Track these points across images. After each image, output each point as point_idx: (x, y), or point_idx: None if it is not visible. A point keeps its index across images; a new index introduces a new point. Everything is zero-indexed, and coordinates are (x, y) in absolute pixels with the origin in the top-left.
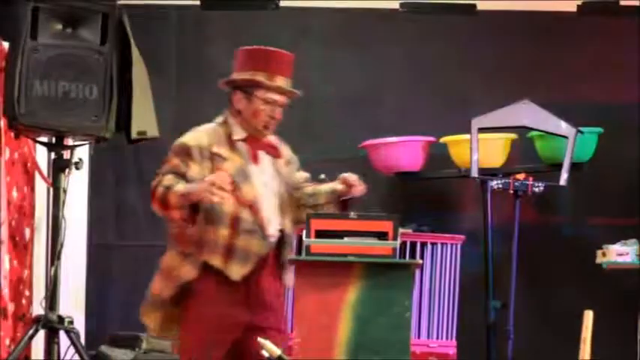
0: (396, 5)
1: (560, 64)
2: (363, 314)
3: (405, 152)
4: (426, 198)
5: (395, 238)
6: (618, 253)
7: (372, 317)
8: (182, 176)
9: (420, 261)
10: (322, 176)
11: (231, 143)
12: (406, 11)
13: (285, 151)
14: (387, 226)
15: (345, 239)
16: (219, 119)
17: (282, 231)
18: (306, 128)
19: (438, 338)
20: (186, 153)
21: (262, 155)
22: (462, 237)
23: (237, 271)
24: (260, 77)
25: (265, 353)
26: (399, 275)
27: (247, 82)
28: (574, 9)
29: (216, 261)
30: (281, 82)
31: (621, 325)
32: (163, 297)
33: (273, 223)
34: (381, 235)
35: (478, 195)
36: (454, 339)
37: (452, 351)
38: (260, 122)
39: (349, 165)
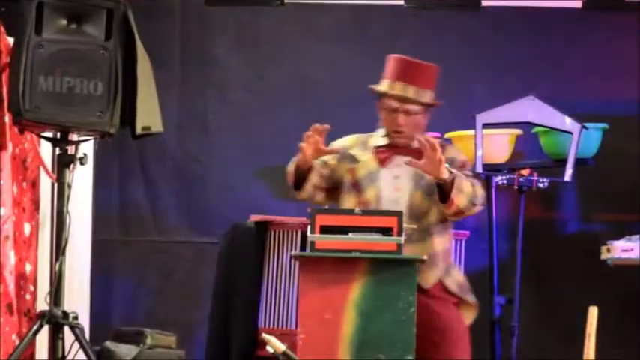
0: (400, 1)
1: (565, 60)
2: (368, 310)
3: None
4: None
5: (399, 234)
6: (623, 249)
7: (376, 313)
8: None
9: (425, 257)
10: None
11: (373, 150)
12: (411, 7)
13: (444, 153)
14: (391, 221)
15: (350, 235)
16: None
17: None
18: (310, 124)
19: None
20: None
21: (401, 160)
22: (467, 233)
23: None
24: (381, 86)
25: (270, 349)
26: (403, 271)
27: (373, 92)
28: (579, 5)
29: None
30: (399, 89)
31: (626, 321)
32: None
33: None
34: (386, 231)
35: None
36: None
37: None
38: (388, 129)
39: None
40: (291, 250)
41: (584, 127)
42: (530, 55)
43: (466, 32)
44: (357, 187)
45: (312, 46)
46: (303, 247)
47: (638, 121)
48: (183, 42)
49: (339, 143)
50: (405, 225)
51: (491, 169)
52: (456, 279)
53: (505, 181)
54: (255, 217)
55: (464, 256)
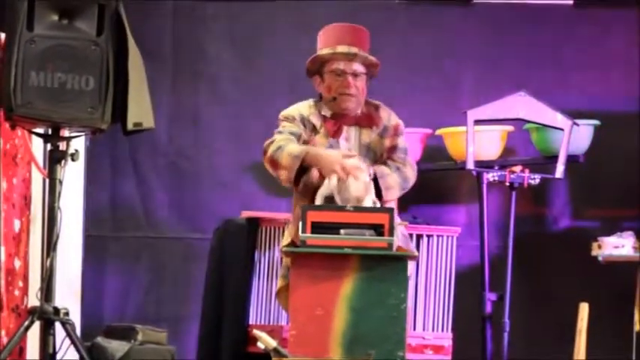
0: None
1: (557, 56)
2: (359, 306)
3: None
4: (421, 190)
5: (391, 231)
6: (614, 246)
7: (367, 309)
8: (297, 136)
9: (416, 253)
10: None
11: (322, 119)
12: (402, 2)
13: (380, 117)
14: (383, 218)
15: (342, 232)
16: (314, 99)
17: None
18: None
19: (433, 330)
20: (292, 119)
21: (349, 131)
22: (458, 229)
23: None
24: (321, 51)
25: (261, 345)
26: (394, 267)
27: (314, 64)
28: (570, 1)
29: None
30: (342, 49)
31: (616, 317)
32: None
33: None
34: (377, 228)
35: (474, 187)
36: (450, 331)
37: (447, 343)
38: (332, 95)
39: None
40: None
41: (575, 123)
42: (522, 51)
43: (457, 28)
44: None
45: (303, 40)
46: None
47: (630, 117)
48: (174, 37)
49: (296, 110)
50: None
51: (483, 166)
52: (402, 232)
53: (496, 178)
54: (246, 213)
55: (455, 253)
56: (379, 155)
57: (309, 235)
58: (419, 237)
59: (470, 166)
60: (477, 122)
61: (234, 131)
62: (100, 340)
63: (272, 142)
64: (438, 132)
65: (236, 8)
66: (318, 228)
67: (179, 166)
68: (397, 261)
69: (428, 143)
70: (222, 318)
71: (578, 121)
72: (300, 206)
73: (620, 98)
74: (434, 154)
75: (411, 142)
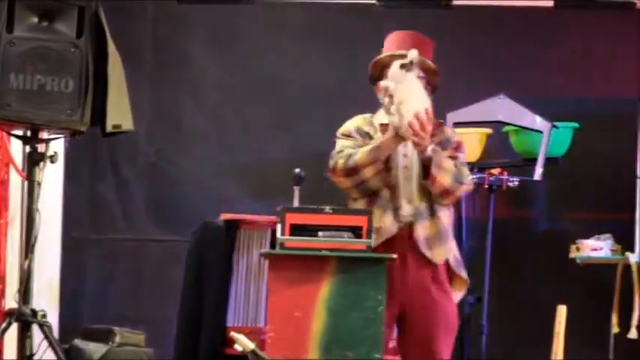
0: (372, 0)
1: (536, 58)
2: (337, 308)
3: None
4: None
5: (369, 233)
6: (592, 248)
7: (345, 311)
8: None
9: (394, 255)
10: (297, 170)
11: (379, 128)
12: (383, 6)
13: (442, 132)
14: (361, 220)
15: (320, 234)
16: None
17: (415, 211)
18: (281, 124)
19: None
20: (348, 136)
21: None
22: None
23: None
24: (380, 56)
25: (239, 347)
26: (372, 270)
27: (375, 68)
28: (551, 3)
29: None
30: (400, 52)
31: (594, 319)
32: None
33: (411, 203)
34: (356, 230)
35: None
36: None
37: None
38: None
39: (324, 159)
40: (260, 248)
41: (554, 126)
42: (502, 53)
43: (437, 31)
44: None
45: (283, 44)
46: (273, 246)
47: (610, 120)
48: (155, 40)
49: (351, 124)
50: (410, 207)
51: None
52: (455, 254)
53: (475, 180)
54: (225, 216)
55: None
56: None
57: (287, 237)
58: None
59: None
60: (457, 124)
61: (214, 133)
62: (77, 342)
63: (337, 159)
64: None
65: (216, 10)
66: (297, 230)
67: (158, 169)
68: (375, 263)
69: None
70: (200, 320)
71: (558, 124)
72: (280, 207)
73: (600, 100)
74: None
75: None
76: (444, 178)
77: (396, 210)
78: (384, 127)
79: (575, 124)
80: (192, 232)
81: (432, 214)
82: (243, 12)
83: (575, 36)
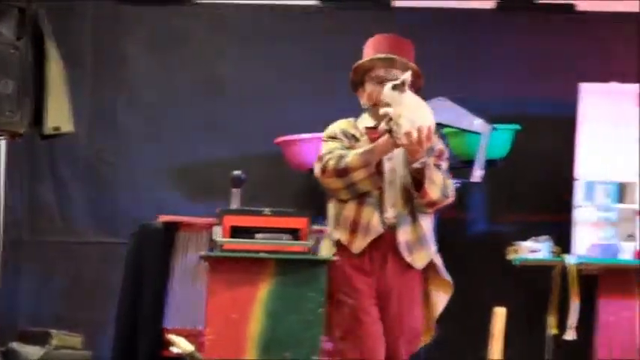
0: (313, 1)
1: (478, 59)
2: (275, 311)
3: (319, 149)
4: None
5: (308, 235)
6: (530, 250)
7: (284, 314)
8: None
9: (334, 257)
10: (237, 172)
11: (363, 131)
12: (322, 7)
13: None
14: (300, 222)
15: (258, 236)
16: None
17: (397, 215)
18: (220, 124)
19: None
20: (334, 137)
21: None
22: None
23: (357, 246)
24: (361, 61)
25: (176, 349)
26: (311, 272)
27: (356, 73)
28: (493, 5)
29: (343, 236)
30: (380, 56)
31: (532, 321)
32: None
33: (394, 206)
34: (295, 232)
35: None
36: None
37: None
38: (372, 101)
39: (264, 161)
40: (199, 250)
41: (493, 128)
42: (442, 55)
43: (375, 32)
44: None
45: (222, 45)
46: (212, 248)
47: (549, 121)
48: (95, 42)
49: (337, 127)
50: (393, 210)
51: None
52: (438, 258)
53: None
54: (163, 218)
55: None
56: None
57: (225, 239)
58: None
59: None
60: None
61: (152, 135)
62: (14, 344)
63: (327, 160)
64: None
65: (156, 11)
66: (236, 232)
67: (97, 170)
68: (314, 265)
69: None
70: (138, 322)
71: (498, 126)
72: (219, 209)
73: (541, 102)
74: None
75: None
76: (433, 191)
77: (382, 212)
78: (369, 130)
79: (516, 126)
80: (130, 234)
81: (414, 220)
82: (183, 13)
83: (515, 37)
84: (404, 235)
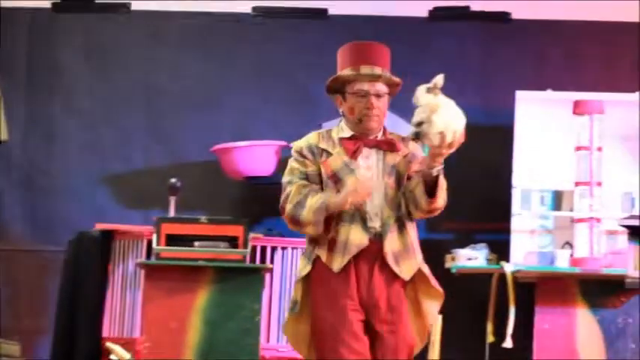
0: (248, 9)
1: (412, 68)
2: (213, 319)
3: (256, 157)
4: (276, 202)
5: (245, 243)
6: (467, 258)
7: (221, 321)
8: (305, 175)
9: (270, 265)
10: (173, 180)
11: (339, 142)
12: (258, 15)
13: (406, 147)
14: (237, 230)
15: (196, 244)
16: (337, 124)
17: (383, 225)
18: (156, 132)
19: (288, 342)
20: (300, 154)
21: (369, 151)
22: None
23: (337, 263)
24: (347, 72)
25: (114, 357)
26: (248, 280)
27: (336, 83)
28: (425, 14)
29: (322, 254)
30: (366, 70)
31: (470, 328)
32: (296, 299)
33: (379, 215)
34: (232, 240)
35: None
36: None
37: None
38: (356, 117)
39: (200, 169)
40: (136, 258)
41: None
42: None
43: (312, 40)
44: (334, 178)
45: (158, 53)
46: (149, 256)
47: (487, 130)
48: (30, 50)
49: (304, 141)
50: (378, 219)
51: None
52: (427, 268)
53: None
54: (100, 226)
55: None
56: (403, 177)
57: (162, 247)
58: (273, 249)
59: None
60: None
61: (88, 143)
62: None
63: (287, 198)
64: (294, 144)
65: (92, 20)
66: (173, 240)
67: (33, 179)
68: (251, 273)
69: (283, 155)
70: (75, 330)
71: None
72: (156, 217)
73: (476, 111)
74: None
75: (264, 154)
76: (441, 198)
77: (364, 221)
78: (345, 141)
79: None
80: (67, 242)
81: (401, 228)
82: (118, 21)
83: (450, 45)
84: (390, 244)
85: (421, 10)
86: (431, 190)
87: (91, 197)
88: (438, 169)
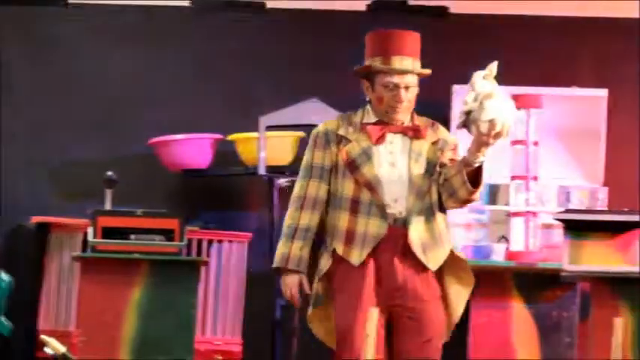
0: (186, 2)
1: (349, 62)
2: (148, 312)
3: (192, 149)
4: (213, 195)
5: (181, 236)
6: None
7: (157, 315)
8: (318, 176)
9: (206, 259)
10: (109, 173)
11: (361, 127)
12: (196, 8)
13: (435, 133)
14: (173, 223)
15: (132, 237)
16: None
17: (407, 211)
18: (93, 125)
19: (223, 336)
20: (314, 141)
21: (394, 136)
22: (249, 235)
23: (356, 257)
24: (376, 62)
25: (49, 350)
26: (184, 273)
27: (366, 71)
28: (363, 8)
29: (339, 248)
30: (397, 63)
31: None
32: (318, 293)
33: (399, 202)
34: (168, 233)
35: (266, 193)
36: (239, 336)
37: (237, 349)
38: (383, 108)
39: (137, 162)
40: (72, 251)
41: None
42: (316, 56)
43: (251, 34)
44: (351, 166)
45: (97, 45)
46: (85, 249)
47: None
48: None
49: (323, 127)
50: (399, 204)
51: (274, 171)
52: (463, 254)
53: (287, 183)
54: (36, 218)
55: (245, 258)
56: (433, 166)
57: (98, 240)
58: (210, 242)
59: (261, 171)
60: (269, 128)
61: (25, 135)
62: None
63: (286, 218)
64: (230, 137)
65: (28, 14)
66: (109, 233)
67: None
68: (187, 266)
69: (219, 149)
70: (11, 323)
71: None
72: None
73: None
74: (225, 160)
75: (201, 147)
76: (480, 189)
77: (381, 208)
78: (370, 127)
79: None
80: (2, 235)
81: (430, 217)
82: (56, 14)
83: None
84: (417, 232)
85: (359, 4)
86: (470, 180)
87: (28, 189)
88: (481, 159)
